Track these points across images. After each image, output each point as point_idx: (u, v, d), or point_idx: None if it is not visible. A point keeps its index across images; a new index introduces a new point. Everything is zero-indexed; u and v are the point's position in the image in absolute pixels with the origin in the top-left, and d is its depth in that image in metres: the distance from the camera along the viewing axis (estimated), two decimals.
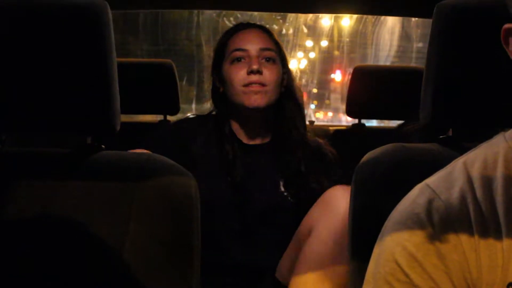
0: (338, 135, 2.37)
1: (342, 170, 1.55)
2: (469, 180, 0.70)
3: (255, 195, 1.48)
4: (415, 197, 0.72)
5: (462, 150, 0.78)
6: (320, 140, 1.61)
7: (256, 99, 1.45)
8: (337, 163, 1.56)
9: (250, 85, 1.45)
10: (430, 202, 0.70)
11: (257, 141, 1.55)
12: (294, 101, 1.55)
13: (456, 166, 0.73)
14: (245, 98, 1.46)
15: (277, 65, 1.51)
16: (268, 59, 1.49)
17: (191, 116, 1.64)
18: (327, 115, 8.33)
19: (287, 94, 1.54)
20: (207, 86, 1.61)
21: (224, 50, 1.53)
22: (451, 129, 1.00)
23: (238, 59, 1.49)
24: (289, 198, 1.48)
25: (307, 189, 1.47)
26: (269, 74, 1.47)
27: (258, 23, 1.60)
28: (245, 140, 1.54)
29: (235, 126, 1.55)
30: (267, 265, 1.44)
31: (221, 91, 1.54)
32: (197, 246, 0.94)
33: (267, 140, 1.55)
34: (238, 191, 1.47)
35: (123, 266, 0.88)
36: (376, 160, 0.97)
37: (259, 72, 1.45)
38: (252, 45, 1.49)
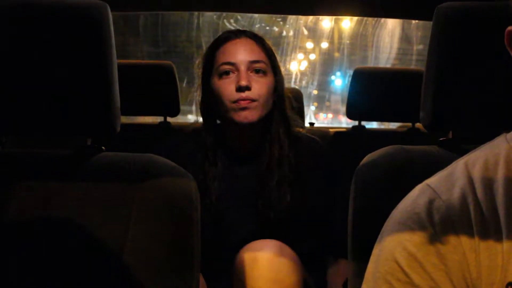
0: (338, 137, 2.37)
1: (339, 172, 1.53)
2: (470, 181, 0.70)
3: (234, 210, 1.46)
4: (415, 197, 0.72)
5: (462, 152, 0.79)
6: (310, 137, 1.56)
7: (247, 115, 1.40)
8: (332, 167, 1.52)
9: (239, 101, 1.40)
10: (430, 202, 0.70)
11: (243, 153, 1.51)
12: (281, 112, 1.50)
13: (457, 167, 0.73)
14: (235, 115, 1.41)
15: (267, 77, 1.45)
16: (258, 71, 1.43)
17: (186, 140, 1.57)
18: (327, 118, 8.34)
19: (277, 104, 1.49)
20: (196, 96, 1.56)
21: (212, 62, 1.47)
22: (451, 132, 1.00)
23: (227, 73, 1.43)
24: (268, 212, 1.44)
25: (284, 203, 1.43)
26: (258, 88, 1.41)
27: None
28: (231, 152, 1.51)
29: (223, 139, 1.51)
30: None
31: (211, 103, 1.49)
32: (197, 247, 0.94)
33: (253, 152, 1.51)
34: (215, 209, 1.44)
35: (123, 267, 0.88)
36: (376, 162, 0.98)
37: (247, 88, 1.40)
38: (241, 57, 1.43)
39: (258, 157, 1.48)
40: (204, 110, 1.52)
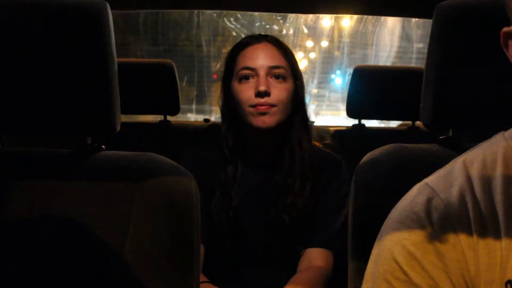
0: (338, 136, 2.37)
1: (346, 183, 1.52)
2: (469, 179, 0.70)
3: (249, 216, 1.46)
4: (414, 196, 0.72)
5: (462, 151, 0.79)
6: (326, 150, 1.57)
7: (265, 120, 1.40)
8: (340, 176, 1.51)
9: (257, 106, 1.41)
10: (429, 200, 0.70)
11: (261, 159, 1.51)
12: (303, 116, 1.50)
13: (456, 165, 0.73)
14: (253, 119, 1.41)
15: (287, 82, 1.45)
16: (277, 77, 1.43)
17: (204, 148, 1.58)
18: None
19: (298, 109, 1.49)
20: (217, 99, 1.56)
21: (233, 66, 1.48)
22: (451, 130, 1.00)
23: (246, 77, 1.43)
24: (282, 220, 1.45)
25: (299, 209, 1.44)
26: (277, 94, 1.42)
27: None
28: (249, 157, 1.51)
29: (242, 143, 1.51)
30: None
31: (231, 106, 1.49)
32: (197, 246, 0.94)
33: (271, 158, 1.50)
34: (234, 214, 1.45)
35: (123, 265, 0.88)
36: (376, 160, 0.98)
37: (266, 93, 1.40)
38: (261, 62, 1.43)
39: (277, 164, 1.48)
40: (225, 113, 1.52)
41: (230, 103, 1.49)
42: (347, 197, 1.47)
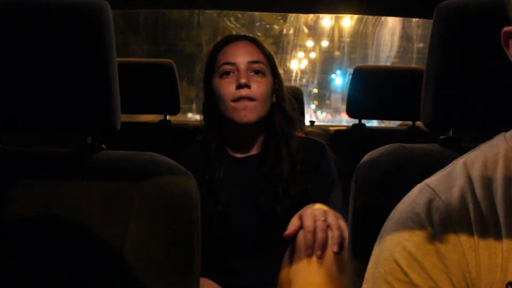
0: (338, 135, 2.37)
1: (338, 174, 1.53)
2: (469, 180, 0.70)
3: (238, 209, 1.48)
4: (415, 197, 0.72)
5: (462, 151, 0.78)
6: (307, 137, 1.59)
7: (246, 115, 1.45)
8: (332, 169, 1.53)
9: (239, 100, 1.45)
10: (430, 201, 0.70)
11: (246, 153, 1.54)
12: (283, 113, 1.54)
13: (456, 166, 0.73)
14: (235, 114, 1.45)
15: (266, 78, 1.50)
16: (257, 72, 1.49)
17: (193, 146, 1.61)
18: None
19: (277, 105, 1.54)
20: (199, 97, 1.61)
21: (213, 64, 1.53)
22: (451, 130, 1.00)
23: (227, 73, 1.48)
24: (275, 209, 1.46)
25: (291, 199, 1.46)
26: (257, 88, 1.46)
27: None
28: (233, 153, 1.54)
29: (225, 139, 1.55)
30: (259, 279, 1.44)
31: (212, 103, 1.53)
32: (197, 245, 0.94)
33: (255, 152, 1.54)
34: (222, 207, 1.46)
35: (123, 265, 0.88)
36: (376, 160, 0.98)
37: (247, 86, 1.45)
38: (241, 58, 1.49)
39: (262, 159, 1.52)
40: (206, 111, 1.57)
41: (211, 101, 1.53)
42: (338, 177, 1.51)
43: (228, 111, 1.47)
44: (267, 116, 1.51)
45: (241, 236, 1.47)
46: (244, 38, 1.56)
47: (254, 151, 1.54)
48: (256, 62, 1.50)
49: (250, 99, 1.45)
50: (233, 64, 1.48)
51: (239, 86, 1.45)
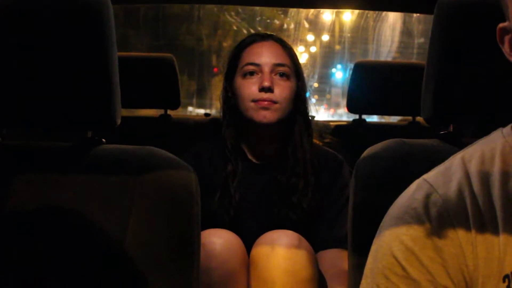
0: (338, 131, 2.37)
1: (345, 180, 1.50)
2: (467, 175, 0.71)
3: (249, 217, 1.46)
4: (412, 192, 0.73)
5: (463, 146, 0.79)
6: (327, 149, 1.57)
7: (266, 115, 1.41)
8: (342, 176, 1.50)
9: (259, 101, 1.42)
10: (427, 196, 0.70)
11: (262, 159, 1.51)
12: (304, 117, 1.51)
13: (454, 162, 0.74)
14: (255, 114, 1.42)
15: (290, 81, 1.47)
16: (281, 75, 1.45)
17: (207, 143, 1.58)
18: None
19: (299, 109, 1.50)
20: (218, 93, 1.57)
21: (237, 62, 1.50)
22: (451, 125, 1.00)
23: (251, 73, 1.45)
24: (286, 220, 1.44)
25: (304, 209, 1.44)
26: (280, 91, 1.43)
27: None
28: (250, 157, 1.51)
29: (243, 142, 1.52)
30: None
31: (232, 103, 1.50)
32: (198, 240, 0.94)
33: (272, 158, 1.51)
34: (234, 212, 1.45)
35: (123, 259, 0.88)
36: (377, 155, 0.98)
37: (270, 89, 1.42)
38: (266, 59, 1.45)
39: (279, 164, 1.49)
40: (226, 110, 1.53)
41: (232, 99, 1.50)
42: None
43: (248, 111, 1.44)
44: (287, 120, 1.47)
45: (249, 244, 1.44)
46: (271, 38, 1.52)
47: (270, 158, 1.51)
48: (281, 65, 1.46)
49: (272, 102, 1.42)
50: (258, 65, 1.45)
51: (262, 89, 1.42)
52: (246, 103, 1.44)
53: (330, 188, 1.48)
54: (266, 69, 1.44)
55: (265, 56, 1.46)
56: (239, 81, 1.47)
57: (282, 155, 1.49)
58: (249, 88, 1.44)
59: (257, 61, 1.45)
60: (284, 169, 1.47)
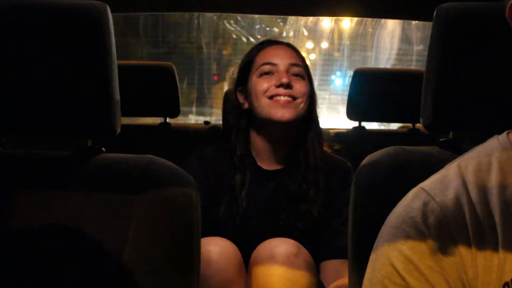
0: (338, 138, 2.37)
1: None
2: (463, 183, 0.71)
3: (257, 223, 1.45)
4: (410, 201, 0.72)
5: (462, 153, 0.78)
6: (336, 156, 1.56)
7: (285, 113, 1.41)
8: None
9: (275, 97, 1.43)
10: (425, 204, 0.70)
11: (271, 166, 1.50)
12: (316, 125, 1.51)
13: (450, 169, 0.74)
14: (272, 112, 1.42)
15: (306, 81, 1.48)
16: (296, 75, 1.47)
17: (210, 148, 1.57)
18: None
19: (311, 117, 1.50)
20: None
21: (250, 66, 1.51)
22: (451, 132, 1.00)
23: (267, 73, 1.47)
24: (294, 228, 1.44)
25: (313, 216, 1.44)
26: (299, 88, 1.45)
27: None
28: (260, 163, 1.50)
29: (253, 147, 1.51)
30: None
31: (245, 108, 1.51)
32: (198, 249, 0.94)
33: (281, 166, 1.50)
34: (241, 219, 1.44)
35: (124, 268, 0.88)
36: (377, 162, 0.97)
37: (289, 86, 1.43)
38: (282, 59, 1.47)
39: (289, 171, 1.48)
40: (236, 116, 1.53)
41: (244, 104, 1.50)
42: None
43: (264, 108, 1.44)
44: (300, 123, 1.47)
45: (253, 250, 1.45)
46: (282, 43, 1.56)
47: (279, 165, 1.50)
48: (297, 65, 1.48)
49: (292, 97, 1.43)
50: (274, 64, 1.47)
51: (280, 85, 1.43)
52: (262, 100, 1.44)
53: (337, 195, 1.48)
54: (282, 68, 1.46)
55: (280, 56, 1.48)
56: (254, 79, 1.48)
57: (293, 162, 1.48)
58: (265, 84, 1.45)
59: (273, 61, 1.47)
60: (294, 175, 1.47)
